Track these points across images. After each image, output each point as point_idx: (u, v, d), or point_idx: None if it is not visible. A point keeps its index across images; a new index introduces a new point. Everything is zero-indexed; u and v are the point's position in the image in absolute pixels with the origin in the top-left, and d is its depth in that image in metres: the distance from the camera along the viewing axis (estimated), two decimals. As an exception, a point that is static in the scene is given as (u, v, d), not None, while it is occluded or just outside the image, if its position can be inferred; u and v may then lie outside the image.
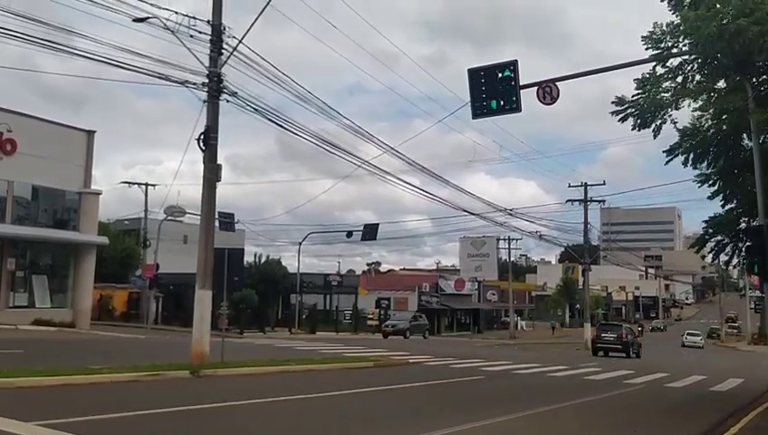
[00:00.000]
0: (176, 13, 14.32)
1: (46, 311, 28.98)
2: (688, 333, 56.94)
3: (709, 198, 15.65)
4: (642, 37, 12.68)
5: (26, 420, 7.49)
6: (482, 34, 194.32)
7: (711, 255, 16.70)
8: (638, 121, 13.35)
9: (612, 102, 13.54)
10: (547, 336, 57.46)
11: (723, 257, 17.16)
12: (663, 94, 13.24)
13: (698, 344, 53.49)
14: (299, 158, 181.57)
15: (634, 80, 13.20)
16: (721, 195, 15.49)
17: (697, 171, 15.42)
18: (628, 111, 13.37)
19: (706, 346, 55.46)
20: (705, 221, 15.94)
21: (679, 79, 13.13)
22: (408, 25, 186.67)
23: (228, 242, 21.38)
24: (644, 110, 13.19)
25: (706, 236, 15.98)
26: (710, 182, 15.39)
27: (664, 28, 12.41)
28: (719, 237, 15.74)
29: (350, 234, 45.52)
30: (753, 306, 69.52)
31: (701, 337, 56.02)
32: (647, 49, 12.70)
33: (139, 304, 41.20)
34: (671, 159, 14.72)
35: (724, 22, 10.56)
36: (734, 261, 16.75)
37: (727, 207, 15.61)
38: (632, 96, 13.28)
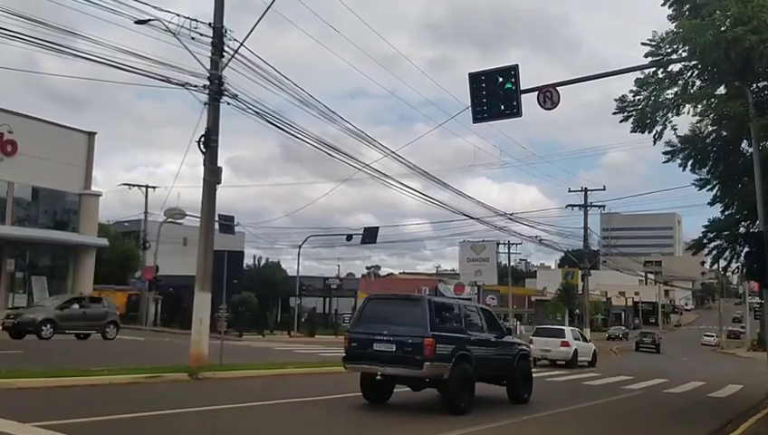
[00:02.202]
0: (177, 15, 14.39)
1: (45, 312, 28.92)
2: (705, 335, 71.86)
3: (709, 204, 15.68)
4: (642, 44, 12.71)
5: (25, 421, 7.49)
6: (486, 38, 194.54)
7: (710, 259, 16.69)
8: (638, 124, 13.36)
9: (615, 100, 13.57)
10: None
11: (722, 263, 17.16)
12: (664, 96, 13.26)
13: (712, 343, 66.03)
14: (300, 161, 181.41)
15: (635, 79, 13.22)
16: (720, 203, 15.51)
17: (697, 176, 15.46)
18: (630, 112, 13.38)
19: (706, 352, 56.27)
20: (705, 226, 15.94)
21: (680, 83, 13.16)
22: (412, 28, 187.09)
23: (228, 245, 21.38)
24: (644, 113, 13.20)
25: (705, 241, 15.98)
26: (709, 187, 15.41)
27: (662, 35, 12.43)
28: (718, 242, 15.74)
29: (349, 237, 45.43)
30: (751, 310, 69.61)
31: (715, 337, 68.49)
32: (646, 56, 12.73)
33: (138, 306, 41.18)
34: (669, 160, 14.74)
35: (722, 29, 10.56)
36: (733, 266, 16.77)
37: (726, 213, 15.62)
38: (629, 91, 13.31)
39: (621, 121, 13.49)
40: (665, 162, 14.87)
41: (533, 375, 13.98)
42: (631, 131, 13.55)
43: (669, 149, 14.68)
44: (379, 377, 10.94)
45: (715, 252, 15.95)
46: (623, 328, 78.63)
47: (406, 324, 10.93)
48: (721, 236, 15.59)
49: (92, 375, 11.99)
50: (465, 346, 11.30)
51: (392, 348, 10.78)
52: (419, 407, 11.73)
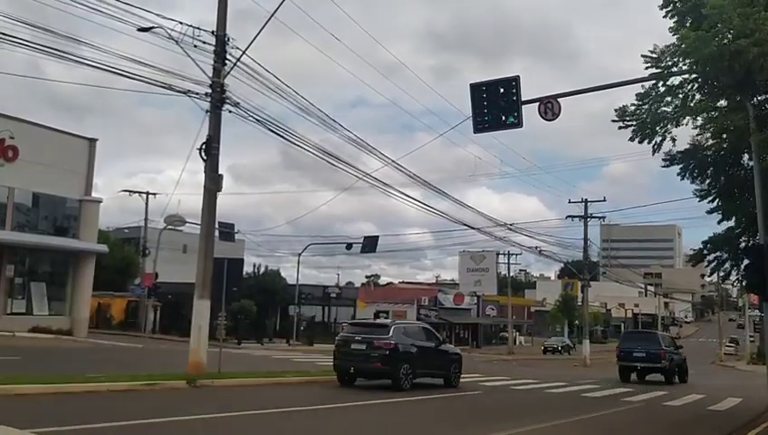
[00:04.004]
0: (180, 23, 14.44)
1: (44, 318, 28.90)
2: (726, 345, 73.02)
3: (708, 212, 15.68)
4: (642, 56, 12.74)
5: (23, 427, 7.46)
6: (488, 48, 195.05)
7: (709, 269, 16.71)
8: (638, 134, 13.38)
9: (615, 110, 13.61)
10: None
11: (721, 273, 17.14)
12: (664, 108, 13.28)
13: (732, 352, 68.42)
14: (301, 169, 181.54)
15: (636, 93, 13.27)
16: (719, 212, 15.50)
17: (696, 186, 15.48)
18: (630, 122, 13.41)
19: (706, 365, 56.36)
20: (705, 242, 15.93)
21: (680, 96, 13.18)
22: (414, 38, 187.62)
23: (228, 252, 21.37)
24: (644, 124, 13.22)
25: (705, 252, 15.97)
26: (709, 198, 15.42)
27: (664, 48, 12.47)
28: (718, 253, 15.73)
29: (349, 246, 45.36)
30: (750, 322, 69.74)
31: (734, 346, 71.87)
32: (647, 69, 12.76)
33: (138, 313, 41.12)
34: (668, 165, 14.76)
35: (725, 42, 10.61)
36: (733, 277, 16.77)
37: (727, 226, 15.62)
38: (631, 104, 13.34)
39: (621, 129, 13.52)
40: (663, 166, 14.91)
41: None
42: (630, 139, 13.58)
43: (669, 155, 14.71)
44: (638, 368, 25.36)
45: (714, 263, 15.95)
46: (564, 339, 64.39)
47: (650, 344, 25.28)
48: (721, 248, 15.58)
49: (90, 382, 11.97)
50: (671, 353, 25.44)
51: (643, 355, 24.74)
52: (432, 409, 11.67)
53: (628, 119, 13.37)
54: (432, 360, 17.29)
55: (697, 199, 15.59)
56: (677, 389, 23.00)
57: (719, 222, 15.66)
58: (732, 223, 15.55)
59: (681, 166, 14.68)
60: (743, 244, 15.32)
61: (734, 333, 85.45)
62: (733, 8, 10.46)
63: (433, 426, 10.90)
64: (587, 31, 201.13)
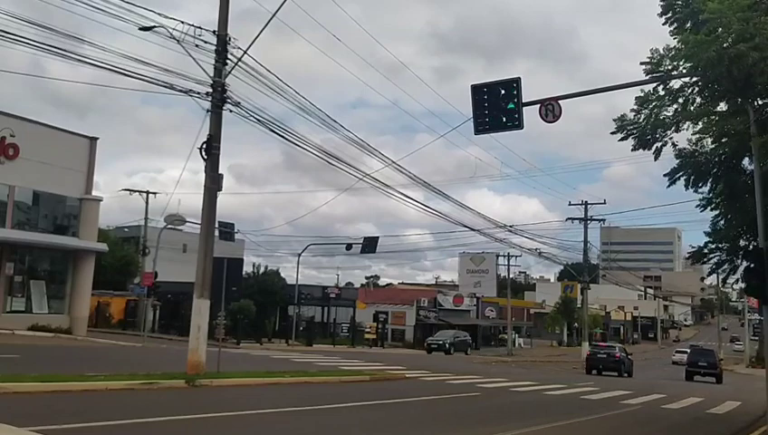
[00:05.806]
0: (182, 22, 14.46)
1: (43, 317, 28.88)
2: (736, 343, 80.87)
3: (712, 223, 15.67)
4: (641, 63, 12.74)
5: (21, 425, 7.46)
6: (492, 49, 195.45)
7: (708, 269, 16.70)
8: (639, 142, 13.39)
9: (614, 120, 13.62)
10: (546, 354, 56.96)
11: (721, 275, 17.14)
12: (664, 114, 13.29)
13: (741, 350, 70.91)
14: (301, 169, 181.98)
15: (636, 97, 13.27)
16: (723, 218, 15.49)
17: (699, 194, 15.45)
18: (629, 131, 13.42)
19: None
20: (707, 232, 15.91)
21: (680, 101, 13.18)
22: (418, 39, 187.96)
23: (228, 252, 21.39)
24: (644, 131, 13.23)
25: (705, 250, 15.96)
26: (712, 206, 15.40)
27: (663, 52, 12.47)
28: (718, 254, 15.72)
29: (349, 246, 45.41)
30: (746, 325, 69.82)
31: (742, 344, 72.95)
32: (647, 74, 12.76)
33: (137, 312, 41.10)
34: (672, 183, 14.72)
35: (725, 46, 10.61)
36: (732, 279, 16.76)
37: (727, 226, 15.62)
38: (630, 110, 13.34)
39: (621, 141, 13.53)
40: (669, 186, 14.84)
41: None
42: (632, 150, 13.60)
43: (670, 170, 14.68)
44: (701, 373, 36.80)
45: (714, 264, 15.94)
46: (459, 333, 47.89)
47: (709, 357, 38.74)
48: (722, 248, 15.57)
49: (88, 381, 11.96)
50: (718, 363, 38.40)
51: (705, 364, 37.65)
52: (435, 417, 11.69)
53: (628, 128, 13.38)
54: (625, 362, 34.58)
55: (700, 210, 15.56)
56: (678, 392, 23.02)
57: (722, 228, 15.66)
58: (732, 224, 15.55)
59: (685, 177, 14.61)
60: (742, 243, 15.32)
61: (736, 332, 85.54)
62: (732, 13, 10.47)
63: (432, 426, 10.90)
64: (590, 34, 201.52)
